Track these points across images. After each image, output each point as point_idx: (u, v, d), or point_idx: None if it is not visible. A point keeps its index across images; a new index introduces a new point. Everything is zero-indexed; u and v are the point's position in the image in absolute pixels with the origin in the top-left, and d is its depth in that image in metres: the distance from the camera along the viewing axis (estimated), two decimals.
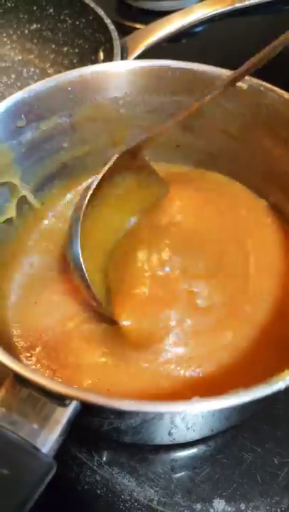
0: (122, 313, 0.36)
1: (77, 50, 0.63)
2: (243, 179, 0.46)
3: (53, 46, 0.65)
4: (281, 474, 0.35)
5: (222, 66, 0.40)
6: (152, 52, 0.56)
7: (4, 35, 0.67)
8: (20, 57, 0.66)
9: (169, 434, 0.33)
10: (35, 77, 0.64)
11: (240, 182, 0.46)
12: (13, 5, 0.64)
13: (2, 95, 0.60)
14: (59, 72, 0.63)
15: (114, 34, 0.54)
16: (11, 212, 0.40)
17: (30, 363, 0.36)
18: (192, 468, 0.36)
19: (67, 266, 0.41)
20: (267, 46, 0.32)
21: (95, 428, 0.35)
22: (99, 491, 0.35)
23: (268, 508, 0.34)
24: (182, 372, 0.34)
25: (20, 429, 0.24)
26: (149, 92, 0.42)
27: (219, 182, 0.47)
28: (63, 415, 0.24)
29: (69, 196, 0.46)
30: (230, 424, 0.36)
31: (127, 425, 0.33)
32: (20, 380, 0.25)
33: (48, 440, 0.24)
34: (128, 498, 0.34)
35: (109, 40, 0.55)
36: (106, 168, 0.38)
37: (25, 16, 0.65)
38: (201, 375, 0.34)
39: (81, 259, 0.35)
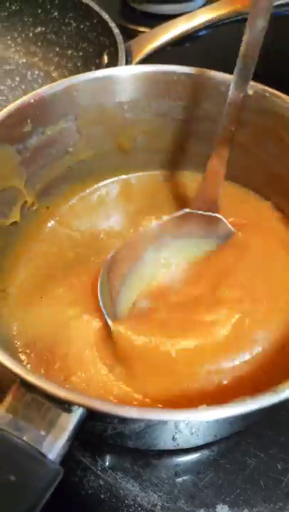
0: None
1: (81, 54, 0.63)
2: (244, 183, 0.46)
3: (57, 49, 0.65)
4: (284, 480, 0.35)
5: (224, 70, 0.40)
6: (155, 55, 0.56)
7: (9, 37, 0.67)
8: (24, 60, 0.66)
9: (173, 439, 0.33)
10: (40, 80, 0.64)
11: (240, 185, 0.46)
12: (17, 8, 0.65)
13: (6, 98, 0.60)
14: (63, 75, 0.64)
15: (119, 38, 0.54)
16: (16, 216, 0.41)
17: (28, 365, 0.36)
18: (196, 473, 0.36)
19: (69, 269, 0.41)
20: None
21: (98, 433, 0.35)
22: (102, 496, 0.35)
23: None
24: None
25: (27, 435, 0.24)
26: (155, 96, 0.42)
27: None
28: (70, 422, 0.24)
29: (73, 201, 0.47)
30: (234, 430, 0.36)
31: (130, 430, 0.33)
32: (26, 386, 0.25)
33: (54, 446, 0.24)
34: (132, 503, 0.34)
35: (114, 43, 0.55)
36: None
37: (30, 19, 0.65)
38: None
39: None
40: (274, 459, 0.36)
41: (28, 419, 0.24)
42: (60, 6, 0.62)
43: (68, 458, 0.24)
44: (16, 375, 0.24)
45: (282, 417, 0.37)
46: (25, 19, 0.65)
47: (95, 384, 0.34)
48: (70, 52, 0.64)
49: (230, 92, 0.36)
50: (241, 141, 0.41)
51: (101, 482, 0.35)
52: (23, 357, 0.37)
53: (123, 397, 0.33)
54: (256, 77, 0.39)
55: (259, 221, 0.44)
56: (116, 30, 0.55)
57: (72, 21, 0.63)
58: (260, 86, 0.39)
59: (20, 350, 0.37)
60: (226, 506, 0.34)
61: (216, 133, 0.38)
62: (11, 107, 0.36)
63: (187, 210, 0.41)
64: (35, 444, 0.24)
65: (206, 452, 0.37)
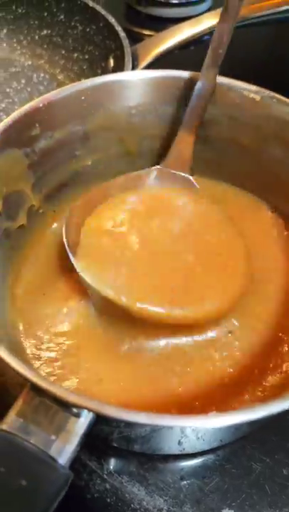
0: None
1: (87, 57, 0.63)
2: (248, 187, 0.46)
3: (63, 52, 0.65)
4: None
5: (228, 74, 0.41)
6: (161, 59, 0.56)
7: (14, 40, 0.67)
8: (30, 63, 0.66)
9: (179, 443, 0.33)
10: (45, 83, 0.64)
11: (244, 190, 0.47)
12: (24, 11, 0.65)
13: (12, 101, 0.60)
14: (69, 77, 0.64)
15: (126, 42, 0.55)
16: (23, 219, 0.41)
17: (36, 364, 0.36)
18: (201, 478, 0.36)
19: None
20: None
21: (104, 436, 0.35)
22: (108, 500, 0.35)
23: None
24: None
25: (38, 439, 0.24)
26: (162, 101, 0.42)
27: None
28: (80, 426, 0.24)
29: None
30: (240, 435, 0.36)
31: (136, 434, 0.33)
32: (36, 390, 0.25)
33: (64, 451, 0.24)
34: (138, 507, 0.34)
35: (120, 47, 0.55)
36: None
37: (36, 22, 0.65)
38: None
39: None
40: (279, 464, 0.36)
41: (38, 424, 0.24)
42: (67, 9, 0.63)
43: (75, 461, 0.25)
44: (26, 379, 0.24)
45: (288, 422, 0.37)
46: (32, 22, 0.66)
47: (107, 375, 0.36)
48: (76, 55, 0.64)
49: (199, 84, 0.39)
50: (247, 146, 0.41)
51: (107, 486, 0.35)
52: (30, 354, 0.37)
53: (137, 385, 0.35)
54: (259, 82, 0.40)
55: (260, 226, 0.45)
56: (122, 34, 0.55)
57: (78, 24, 0.63)
58: (267, 92, 0.39)
59: (28, 350, 0.37)
60: (232, 511, 0.34)
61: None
62: (20, 111, 0.36)
63: (158, 166, 0.43)
64: (46, 449, 0.24)
65: (211, 457, 0.37)
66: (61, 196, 0.45)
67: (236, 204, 0.45)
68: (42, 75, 0.65)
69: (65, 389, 0.24)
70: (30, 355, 0.37)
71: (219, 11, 0.59)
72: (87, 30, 0.62)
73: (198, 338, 0.38)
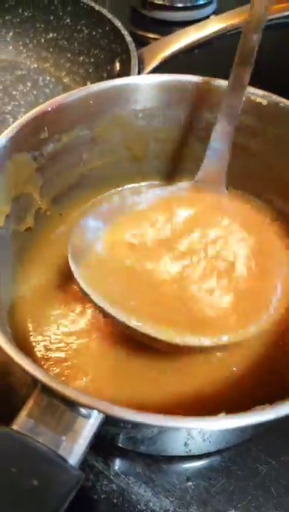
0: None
1: (92, 60, 0.64)
2: (254, 192, 0.47)
3: (69, 55, 0.66)
4: None
5: None
6: (165, 62, 0.56)
7: (20, 43, 0.68)
8: (36, 66, 0.67)
9: (185, 445, 0.34)
10: (51, 86, 0.64)
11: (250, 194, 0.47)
12: (30, 14, 0.65)
13: (18, 103, 0.61)
14: (74, 80, 0.64)
15: (132, 46, 0.55)
16: (30, 222, 0.41)
17: (46, 364, 0.37)
18: (207, 479, 0.36)
19: None
20: None
21: (111, 437, 0.35)
22: (115, 500, 0.35)
23: None
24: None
25: (49, 440, 0.24)
26: (169, 105, 0.42)
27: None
28: (90, 427, 0.25)
29: (85, 208, 0.47)
30: (246, 437, 0.36)
31: (143, 435, 0.33)
32: (47, 391, 0.25)
33: (75, 452, 0.24)
34: (144, 508, 0.35)
35: (126, 51, 0.56)
36: None
37: (42, 25, 0.66)
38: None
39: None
40: (285, 466, 0.36)
41: (48, 424, 0.25)
42: (73, 13, 0.63)
43: (82, 462, 0.25)
44: (38, 381, 0.25)
45: None
46: (38, 25, 0.66)
47: (115, 375, 0.36)
48: (81, 58, 0.65)
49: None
50: (254, 150, 0.41)
51: (114, 487, 0.35)
52: (39, 354, 0.37)
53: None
54: (264, 86, 0.40)
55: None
56: (129, 38, 0.56)
57: (84, 28, 0.63)
58: (273, 96, 0.40)
59: (37, 350, 0.38)
60: None
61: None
62: (29, 115, 0.37)
63: (192, 181, 0.41)
64: (57, 449, 0.24)
65: (217, 458, 0.37)
66: (68, 199, 0.45)
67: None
68: (48, 78, 0.65)
69: (76, 390, 0.24)
70: (39, 356, 0.38)
71: (225, 15, 0.60)
72: (93, 33, 0.62)
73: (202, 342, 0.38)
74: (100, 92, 0.40)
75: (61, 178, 0.43)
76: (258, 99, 0.40)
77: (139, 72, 0.53)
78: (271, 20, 0.61)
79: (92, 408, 0.24)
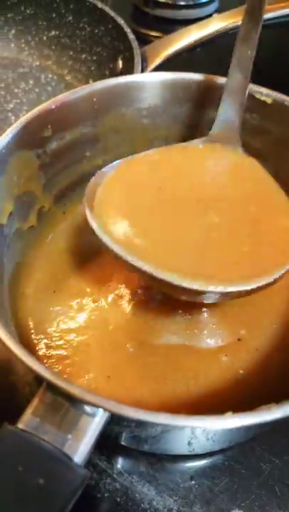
0: None
1: (95, 58, 0.64)
2: None
3: (71, 53, 0.66)
4: None
5: None
6: (168, 60, 0.56)
7: (23, 41, 0.67)
8: (38, 63, 0.66)
9: (189, 444, 0.34)
10: (53, 83, 0.64)
11: None
12: (32, 12, 0.65)
13: (21, 101, 0.61)
14: (76, 78, 0.64)
15: (135, 44, 0.55)
16: (33, 220, 0.41)
17: (48, 361, 0.37)
18: (211, 478, 0.36)
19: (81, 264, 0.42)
20: None
21: (114, 436, 0.35)
22: (119, 499, 0.35)
23: None
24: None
25: (54, 438, 0.24)
26: (173, 103, 0.42)
27: None
28: (95, 425, 0.25)
29: None
30: (250, 436, 0.36)
31: (147, 434, 0.33)
32: (52, 389, 0.25)
33: (80, 450, 0.24)
34: (148, 506, 0.35)
35: (128, 48, 0.55)
36: None
37: (44, 23, 0.66)
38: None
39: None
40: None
41: (54, 423, 0.25)
42: (75, 11, 0.63)
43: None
44: (43, 379, 0.25)
45: None
46: (40, 23, 0.66)
47: (116, 373, 0.36)
48: (84, 56, 0.65)
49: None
50: (259, 149, 0.41)
51: (117, 485, 0.35)
52: (40, 351, 0.37)
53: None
54: (268, 85, 0.40)
55: None
56: (131, 36, 0.56)
57: (86, 26, 0.63)
58: (278, 94, 0.40)
59: (38, 348, 0.38)
60: None
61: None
62: (33, 112, 0.37)
63: (203, 138, 0.40)
64: (62, 448, 0.24)
65: (220, 457, 0.37)
66: (71, 197, 0.45)
67: None
68: (50, 75, 0.65)
69: (82, 388, 0.24)
70: (41, 353, 0.38)
71: (227, 13, 0.60)
72: (96, 31, 0.62)
73: (207, 344, 0.38)
74: (104, 89, 0.40)
75: (64, 176, 0.43)
76: (263, 98, 0.39)
77: (142, 71, 0.53)
78: (272, 19, 0.61)
79: (98, 406, 0.24)
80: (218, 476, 0.36)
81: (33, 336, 0.39)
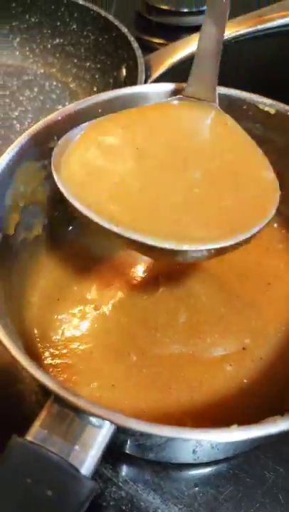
0: None
1: (99, 66, 0.64)
2: None
3: (75, 61, 0.66)
4: None
5: (238, 86, 0.41)
6: (172, 69, 0.57)
7: (27, 48, 0.68)
8: (42, 71, 0.67)
9: (193, 452, 0.34)
10: (58, 91, 0.65)
11: None
12: (37, 20, 0.66)
13: (25, 109, 0.61)
14: (80, 86, 0.65)
15: (139, 52, 0.55)
16: (39, 229, 0.41)
17: (53, 370, 0.37)
18: (215, 487, 0.36)
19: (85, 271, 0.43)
20: None
21: (119, 444, 0.36)
22: (124, 507, 0.35)
23: None
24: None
25: (62, 450, 0.24)
26: None
27: None
28: (102, 437, 0.25)
29: None
30: (255, 445, 0.36)
31: (152, 443, 0.34)
32: (59, 401, 0.26)
33: (88, 462, 0.25)
34: None
35: (132, 57, 0.56)
36: None
37: (49, 31, 0.66)
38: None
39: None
40: None
41: (62, 435, 0.25)
42: (79, 19, 0.63)
43: None
44: (51, 391, 0.25)
45: None
46: (44, 31, 0.66)
47: (120, 381, 0.36)
48: (88, 64, 0.65)
49: None
50: None
51: (122, 494, 0.36)
52: (45, 360, 0.38)
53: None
54: (270, 95, 0.40)
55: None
56: (135, 45, 0.56)
57: (90, 34, 0.63)
58: (281, 105, 0.40)
59: (43, 356, 0.38)
60: None
61: None
62: (39, 124, 0.37)
63: (180, 96, 0.39)
64: (70, 460, 0.24)
65: (224, 465, 0.37)
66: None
67: None
68: (54, 83, 0.65)
69: (89, 402, 0.25)
70: (47, 362, 0.38)
71: (230, 22, 0.60)
72: (100, 39, 0.63)
73: (211, 353, 0.38)
74: (109, 101, 0.40)
75: None
76: (266, 108, 0.40)
77: (146, 79, 0.53)
78: (274, 28, 0.61)
79: (105, 419, 0.24)
80: (223, 484, 0.36)
81: (38, 345, 0.39)
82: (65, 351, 0.39)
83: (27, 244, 0.40)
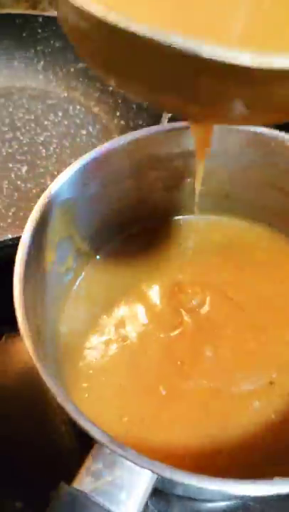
0: None
1: (122, 90, 0.65)
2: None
3: (98, 85, 0.67)
4: None
5: None
6: None
7: (50, 72, 0.69)
8: (65, 94, 0.68)
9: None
10: (81, 115, 0.65)
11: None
12: (61, 45, 0.67)
13: (50, 134, 0.62)
14: (104, 110, 0.65)
15: None
16: (70, 262, 0.42)
17: (84, 403, 0.38)
18: None
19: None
20: None
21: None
22: None
23: None
24: None
25: (106, 498, 0.25)
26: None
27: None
28: (147, 486, 0.26)
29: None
30: None
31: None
32: (106, 450, 0.26)
33: (131, 509, 0.25)
34: None
35: None
36: None
37: (72, 56, 0.67)
38: None
39: None
40: None
41: (106, 482, 0.26)
42: None
43: None
44: (97, 441, 0.26)
45: None
46: (68, 56, 0.67)
47: (149, 415, 0.37)
48: (111, 88, 0.66)
49: None
50: (278, 185, 0.42)
51: None
52: (76, 392, 0.38)
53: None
54: None
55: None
56: None
57: None
58: None
59: (74, 388, 0.39)
60: None
61: None
62: (79, 162, 0.38)
63: None
64: (115, 508, 0.25)
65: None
66: (103, 235, 0.46)
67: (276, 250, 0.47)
68: (78, 107, 0.66)
69: (134, 451, 0.25)
70: (76, 394, 0.38)
71: None
72: None
73: (238, 387, 0.39)
74: (145, 138, 0.40)
75: (99, 217, 0.44)
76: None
77: None
78: None
79: (154, 473, 0.25)
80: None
81: (67, 376, 0.39)
82: (94, 384, 0.39)
83: (59, 277, 0.41)
